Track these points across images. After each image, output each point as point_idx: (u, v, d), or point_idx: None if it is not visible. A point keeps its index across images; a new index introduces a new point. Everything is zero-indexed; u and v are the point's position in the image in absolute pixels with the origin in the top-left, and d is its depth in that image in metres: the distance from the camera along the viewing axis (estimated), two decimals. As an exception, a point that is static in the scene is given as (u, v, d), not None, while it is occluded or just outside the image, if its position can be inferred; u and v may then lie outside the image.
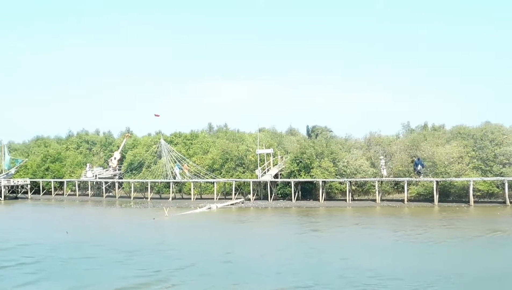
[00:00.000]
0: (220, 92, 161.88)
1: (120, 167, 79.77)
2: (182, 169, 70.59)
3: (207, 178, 68.91)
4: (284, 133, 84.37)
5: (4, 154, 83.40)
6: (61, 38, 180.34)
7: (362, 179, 60.53)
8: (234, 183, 65.39)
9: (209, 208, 57.21)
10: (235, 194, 64.94)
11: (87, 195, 76.94)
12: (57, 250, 31.23)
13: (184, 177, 69.55)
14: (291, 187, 62.18)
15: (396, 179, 59.44)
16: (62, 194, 79.71)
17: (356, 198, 62.01)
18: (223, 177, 68.03)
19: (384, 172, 60.96)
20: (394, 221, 43.51)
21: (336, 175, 61.21)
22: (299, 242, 33.73)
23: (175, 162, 71.81)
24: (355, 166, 61.07)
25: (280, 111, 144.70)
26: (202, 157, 73.55)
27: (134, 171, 76.60)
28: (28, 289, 22.66)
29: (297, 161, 63.31)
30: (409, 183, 58.47)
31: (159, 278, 23.62)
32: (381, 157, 62.59)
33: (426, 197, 58.27)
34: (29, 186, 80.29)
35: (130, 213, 55.35)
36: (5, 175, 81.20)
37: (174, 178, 70.14)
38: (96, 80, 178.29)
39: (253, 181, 64.47)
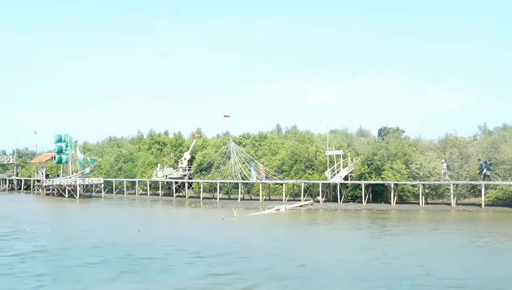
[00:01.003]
0: (289, 93, 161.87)
1: (190, 167, 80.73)
2: (257, 169, 70.39)
3: (275, 179, 68.76)
4: (355, 134, 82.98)
5: (78, 153, 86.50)
6: (128, 39, 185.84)
7: (436, 182, 58.57)
8: (303, 184, 64.84)
9: (277, 209, 56.93)
10: (303, 195, 64.42)
11: (158, 194, 78.52)
12: (131, 249, 31.64)
13: (260, 178, 69.37)
14: (361, 190, 60.92)
15: (473, 182, 57.09)
16: (134, 194, 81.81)
17: (430, 202, 60.04)
18: (292, 179, 67.64)
19: (446, 177, 58.77)
20: (471, 226, 41.58)
21: (409, 177, 59.52)
22: (373, 246, 32.74)
23: (243, 163, 72.03)
24: (429, 169, 59.19)
25: (350, 112, 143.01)
26: (270, 159, 73.45)
27: (203, 172, 77.42)
28: (109, 287, 22.99)
29: (368, 162, 62.00)
30: (486, 187, 56.00)
31: (235, 280, 23.44)
32: (443, 160, 60.38)
33: (506, 202, 55.58)
34: (102, 185, 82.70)
35: (199, 213, 55.83)
36: (81, 175, 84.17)
37: (243, 178, 70.39)
38: (166, 81, 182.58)
39: (322, 183, 63.70)
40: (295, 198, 66.17)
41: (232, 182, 72.19)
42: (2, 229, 41.48)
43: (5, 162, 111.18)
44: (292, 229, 42.02)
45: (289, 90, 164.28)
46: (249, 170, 71.05)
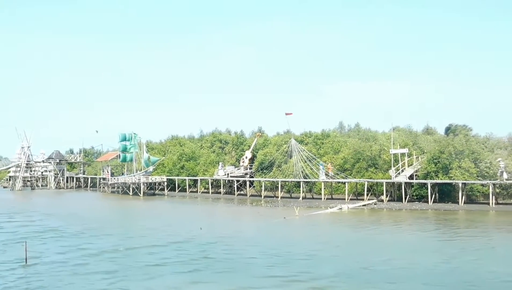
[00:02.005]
0: (352, 91, 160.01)
1: (251, 166, 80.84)
2: (326, 168, 69.38)
3: (337, 178, 67.76)
4: (420, 132, 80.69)
5: (143, 152, 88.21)
6: (187, 40, 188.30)
7: (508, 182, 56.06)
8: (366, 183, 63.57)
9: (340, 208, 56.04)
10: (367, 195, 63.13)
11: (220, 193, 78.99)
12: (194, 247, 31.60)
13: (329, 177, 68.45)
14: (427, 189, 58.97)
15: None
16: (196, 192, 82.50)
17: (501, 202, 57.57)
18: (354, 177, 66.47)
19: (505, 175, 56.06)
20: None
21: (478, 176, 57.29)
22: (442, 248, 31.38)
23: (305, 161, 71.30)
24: (499, 167, 56.76)
25: (415, 110, 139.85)
26: (332, 157, 72.46)
27: (264, 170, 77.30)
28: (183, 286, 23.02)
29: (435, 161, 60.03)
30: None
31: (307, 280, 23.04)
32: (499, 159, 57.76)
33: None
34: (165, 183, 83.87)
35: (261, 212, 55.66)
36: (144, 173, 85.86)
37: (305, 177, 69.82)
38: (227, 81, 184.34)
39: (386, 182, 62.25)
40: (358, 197, 64.96)
41: (293, 181, 71.76)
42: (75, 227, 42.64)
43: (73, 160, 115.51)
44: (356, 229, 40.91)
45: (352, 87, 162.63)
46: (311, 169, 70.26)
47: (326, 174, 67.77)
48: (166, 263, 27.17)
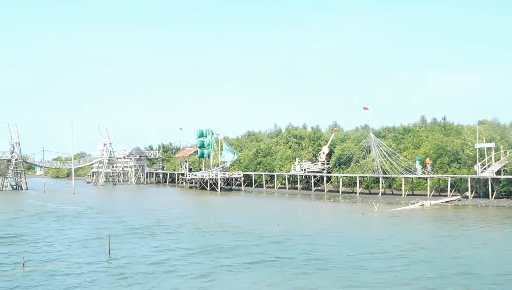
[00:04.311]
0: (435, 83, 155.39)
1: (329, 161, 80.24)
2: (423, 163, 67.38)
3: (433, 174, 65.25)
4: (508, 125, 76.93)
5: (223, 146, 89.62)
6: (260, 34, 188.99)
7: None
8: (449, 179, 61.45)
9: (421, 205, 54.58)
10: (450, 191, 61.03)
11: (296, 188, 79.00)
12: (271, 245, 31.46)
13: (426, 172, 66.20)
14: (516, 185, 56.42)
15: None
16: (273, 187, 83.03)
17: None
18: (436, 173, 64.41)
19: None
20: None
21: None
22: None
23: (384, 156, 69.92)
24: None
25: (502, 101, 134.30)
26: (413, 152, 70.63)
27: (342, 166, 76.55)
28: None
29: (525, 155, 57.24)
30: None
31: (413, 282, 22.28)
32: None
33: None
34: (242, 178, 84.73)
35: (339, 208, 55.23)
36: (221, 168, 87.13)
37: (384, 172, 68.54)
38: (302, 75, 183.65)
39: (471, 178, 59.95)
40: (441, 193, 62.95)
41: (372, 176, 70.63)
42: (161, 227, 43.63)
43: (152, 156, 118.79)
44: (440, 226, 39.29)
45: (434, 80, 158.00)
46: (391, 164, 68.75)
47: (423, 170, 65.67)
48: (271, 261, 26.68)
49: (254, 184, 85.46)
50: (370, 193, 69.95)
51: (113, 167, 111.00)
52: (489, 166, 59.51)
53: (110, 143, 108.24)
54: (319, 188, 77.19)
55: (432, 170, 65.41)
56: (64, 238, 35.25)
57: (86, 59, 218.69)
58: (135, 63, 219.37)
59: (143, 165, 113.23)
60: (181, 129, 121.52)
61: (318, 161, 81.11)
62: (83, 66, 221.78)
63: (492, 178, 57.86)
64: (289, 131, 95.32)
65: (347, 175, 73.20)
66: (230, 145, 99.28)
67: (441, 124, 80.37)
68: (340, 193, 71.48)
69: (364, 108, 74.30)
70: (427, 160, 66.24)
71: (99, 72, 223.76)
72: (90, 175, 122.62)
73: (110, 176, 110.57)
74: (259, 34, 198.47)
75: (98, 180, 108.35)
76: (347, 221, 42.71)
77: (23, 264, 26.09)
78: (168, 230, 38.65)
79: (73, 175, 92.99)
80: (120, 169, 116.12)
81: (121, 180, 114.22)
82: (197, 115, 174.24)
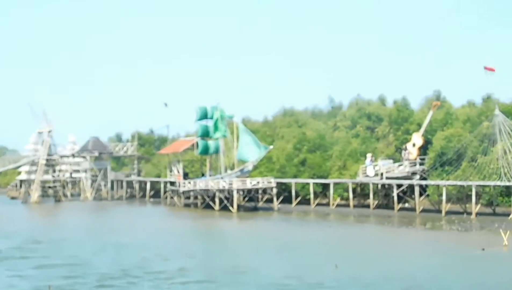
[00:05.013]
0: None
1: (423, 159, 79.18)
2: None
3: None
4: None
5: (240, 138, 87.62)
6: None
7: None
8: None
9: None
10: None
11: (368, 206, 78.59)
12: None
13: None
14: None
15: None
16: (327, 204, 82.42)
17: None
18: None
19: None
20: None
21: None
22: None
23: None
24: None
25: None
26: None
27: (447, 167, 75.28)
28: None
29: None
30: None
31: None
32: None
33: None
34: (274, 190, 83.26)
35: (441, 239, 55.23)
36: (239, 173, 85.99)
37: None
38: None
39: None
40: None
41: (499, 185, 69.19)
42: None
43: (121, 153, 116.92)
44: None
45: None
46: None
47: None
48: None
49: (295, 200, 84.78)
50: (494, 214, 69.65)
51: (54, 171, 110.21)
52: None
53: (50, 132, 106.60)
54: (406, 205, 77.06)
55: None
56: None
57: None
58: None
59: (106, 168, 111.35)
60: (166, 104, 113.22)
61: (405, 159, 79.94)
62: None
63: None
64: (356, 108, 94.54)
65: (454, 183, 71.97)
66: (254, 133, 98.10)
67: None
68: (443, 213, 71.07)
69: (487, 69, 72.94)
70: None
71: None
72: (15, 186, 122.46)
73: (50, 187, 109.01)
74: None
75: (29, 194, 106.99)
76: (456, 264, 42.35)
77: None
78: (157, 280, 38.51)
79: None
80: (67, 175, 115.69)
81: (69, 194, 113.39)
82: (197, 85, 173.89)
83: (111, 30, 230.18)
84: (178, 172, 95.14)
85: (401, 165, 79.77)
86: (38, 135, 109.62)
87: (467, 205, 71.53)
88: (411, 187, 76.65)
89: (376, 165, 79.31)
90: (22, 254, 49.98)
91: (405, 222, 67.31)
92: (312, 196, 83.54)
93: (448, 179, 73.54)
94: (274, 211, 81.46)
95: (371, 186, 78.82)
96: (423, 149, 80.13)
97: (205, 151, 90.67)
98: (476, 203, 69.80)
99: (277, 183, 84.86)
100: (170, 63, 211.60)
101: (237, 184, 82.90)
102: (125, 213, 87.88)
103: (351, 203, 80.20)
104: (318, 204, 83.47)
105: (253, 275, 39.28)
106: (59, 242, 56.68)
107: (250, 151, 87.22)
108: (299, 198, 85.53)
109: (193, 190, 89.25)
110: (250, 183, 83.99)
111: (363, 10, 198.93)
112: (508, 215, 66.86)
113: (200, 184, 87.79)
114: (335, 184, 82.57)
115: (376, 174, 78.49)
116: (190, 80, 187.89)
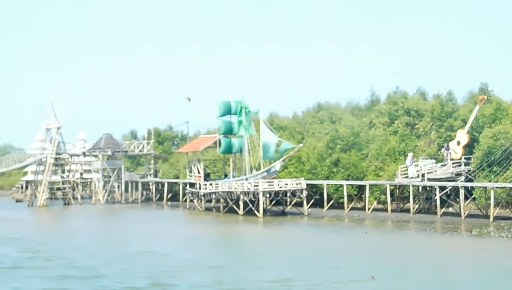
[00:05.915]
0: None
1: (469, 159, 76.41)
2: None
3: None
4: None
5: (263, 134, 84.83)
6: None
7: None
8: None
9: None
10: None
11: (408, 211, 76.53)
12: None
13: None
14: None
15: None
16: (363, 208, 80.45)
17: None
18: None
19: None
20: None
21: None
22: None
23: None
24: None
25: None
26: None
27: (495, 167, 72.71)
28: None
29: None
30: None
31: None
32: None
33: None
34: (304, 192, 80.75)
35: (489, 247, 53.22)
36: (266, 173, 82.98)
37: None
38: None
39: None
40: None
41: None
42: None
43: (137, 151, 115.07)
44: None
45: None
46: None
47: None
48: None
49: (327, 203, 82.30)
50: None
51: (63, 172, 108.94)
52: None
53: (59, 128, 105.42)
54: (450, 210, 74.75)
55: None
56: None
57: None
58: None
59: (120, 168, 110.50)
60: (189, 99, 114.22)
61: (449, 159, 76.81)
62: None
63: None
64: (394, 102, 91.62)
65: (504, 185, 68.91)
66: (280, 129, 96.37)
67: None
68: (491, 218, 68.32)
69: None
70: None
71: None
72: (21, 188, 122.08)
73: (58, 189, 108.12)
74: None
75: (36, 196, 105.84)
76: (505, 274, 41.43)
77: None
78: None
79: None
80: (78, 175, 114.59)
81: (79, 196, 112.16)
82: (221, 80, 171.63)
83: (126, 21, 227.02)
84: (199, 172, 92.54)
85: (444, 164, 76.53)
86: (46, 132, 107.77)
87: (519, 210, 68.75)
88: (455, 190, 74.20)
89: (417, 165, 76.59)
90: (29, 264, 48.51)
91: (448, 228, 65.52)
92: (346, 199, 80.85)
93: (496, 181, 70.98)
94: (304, 216, 79.59)
95: (411, 189, 76.19)
96: (468, 148, 77.49)
97: (228, 149, 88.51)
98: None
99: (308, 185, 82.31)
100: (190, 54, 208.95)
101: (263, 186, 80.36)
102: (140, 218, 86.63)
103: (389, 207, 78.06)
104: (352, 208, 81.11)
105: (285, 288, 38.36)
106: (69, 251, 55.34)
107: (281, 146, 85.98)
108: (331, 202, 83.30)
109: (214, 193, 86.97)
110: (277, 185, 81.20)
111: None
112: None
113: (223, 186, 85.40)
114: (372, 186, 80.00)
115: (418, 175, 75.91)
116: (211, 72, 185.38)
